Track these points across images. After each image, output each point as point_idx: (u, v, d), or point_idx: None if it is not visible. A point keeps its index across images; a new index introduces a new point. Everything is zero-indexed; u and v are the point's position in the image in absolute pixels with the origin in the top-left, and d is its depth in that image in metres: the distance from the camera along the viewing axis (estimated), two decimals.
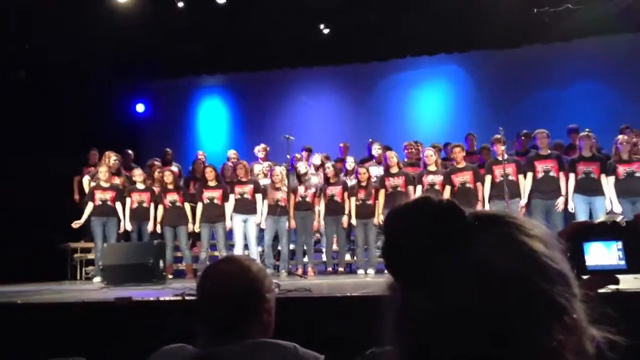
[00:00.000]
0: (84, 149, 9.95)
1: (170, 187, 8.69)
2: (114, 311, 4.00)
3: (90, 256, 9.13)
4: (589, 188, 7.58)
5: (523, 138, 9.06)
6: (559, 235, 0.80)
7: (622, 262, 0.78)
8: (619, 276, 0.80)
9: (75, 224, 8.52)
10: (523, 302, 0.60)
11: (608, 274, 0.80)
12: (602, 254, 0.79)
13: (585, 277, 0.80)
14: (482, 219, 0.68)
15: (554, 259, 0.64)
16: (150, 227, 8.63)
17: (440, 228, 0.64)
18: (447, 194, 7.92)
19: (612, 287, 0.81)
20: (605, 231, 0.79)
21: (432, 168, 8.10)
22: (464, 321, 0.60)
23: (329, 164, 8.68)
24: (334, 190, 8.41)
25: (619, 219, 0.80)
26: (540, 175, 7.78)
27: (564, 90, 10.88)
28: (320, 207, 8.45)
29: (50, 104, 9.80)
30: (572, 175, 7.68)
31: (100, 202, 8.61)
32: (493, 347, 0.60)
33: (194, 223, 8.60)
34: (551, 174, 7.75)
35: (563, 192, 7.68)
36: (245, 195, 8.51)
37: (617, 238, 0.79)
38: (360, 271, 8.19)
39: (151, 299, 4.37)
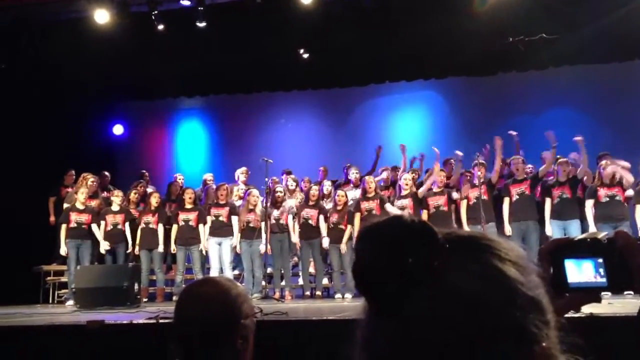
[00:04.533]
0: (61, 170, 9.83)
1: (153, 209, 8.64)
2: (85, 335, 3.93)
3: (64, 279, 8.97)
4: (563, 212, 7.66)
5: None
6: (540, 252, 0.79)
7: (604, 280, 0.77)
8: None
9: (63, 252, 8.43)
10: (492, 332, 0.58)
11: (590, 292, 0.79)
12: (583, 271, 0.78)
13: (567, 294, 0.79)
14: (455, 241, 0.64)
15: (527, 285, 0.62)
16: (129, 249, 8.56)
17: (411, 250, 0.61)
18: (423, 217, 7.97)
19: (586, 311, 0.81)
20: (587, 248, 0.78)
21: (405, 192, 8.17)
22: (430, 350, 0.58)
23: (314, 188, 8.66)
24: (310, 213, 8.39)
25: (600, 235, 0.79)
26: (515, 198, 7.88)
27: (539, 116, 11.03)
28: (295, 228, 8.41)
29: (27, 125, 9.68)
30: (548, 200, 7.76)
31: (76, 224, 8.51)
32: None
33: (169, 245, 8.52)
34: (525, 193, 7.87)
35: (538, 215, 7.75)
36: (221, 218, 8.46)
37: (598, 255, 0.77)
38: (338, 295, 8.14)
39: (124, 322, 4.30)
